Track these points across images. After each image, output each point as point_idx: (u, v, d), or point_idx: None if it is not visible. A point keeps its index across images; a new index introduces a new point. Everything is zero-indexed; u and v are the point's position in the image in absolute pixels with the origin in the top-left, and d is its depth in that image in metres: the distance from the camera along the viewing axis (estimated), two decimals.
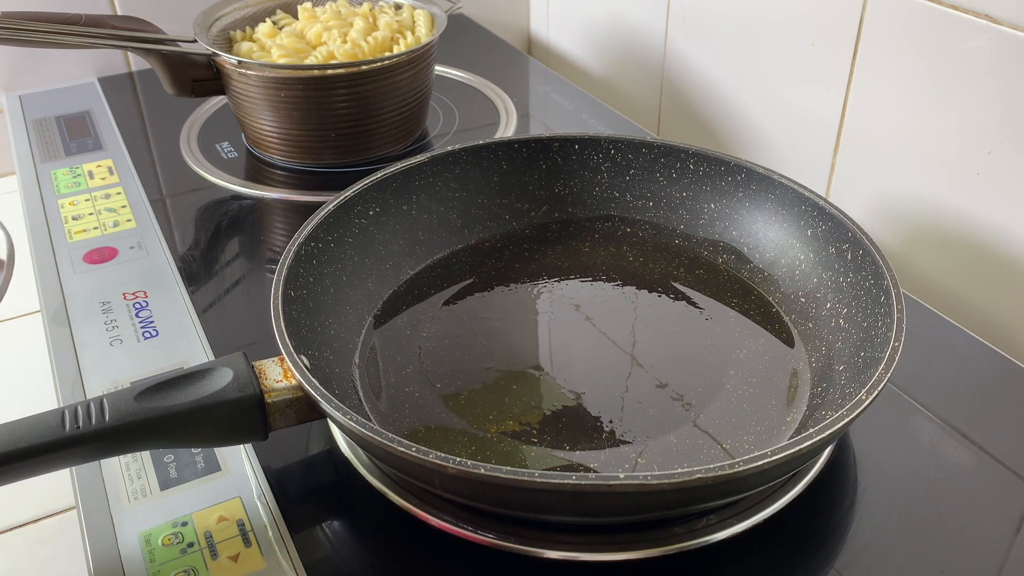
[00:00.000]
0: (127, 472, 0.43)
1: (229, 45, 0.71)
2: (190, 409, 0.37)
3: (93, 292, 0.56)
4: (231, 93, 0.68)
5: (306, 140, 0.68)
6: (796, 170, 0.69)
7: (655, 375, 0.47)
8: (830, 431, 0.35)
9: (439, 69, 0.84)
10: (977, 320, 0.58)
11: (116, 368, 0.49)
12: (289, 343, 0.40)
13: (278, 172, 0.69)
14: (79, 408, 0.36)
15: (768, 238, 0.53)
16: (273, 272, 0.45)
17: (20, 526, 0.65)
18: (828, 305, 0.48)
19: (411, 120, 0.71)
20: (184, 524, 0.40)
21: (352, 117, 0.67)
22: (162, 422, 0.37)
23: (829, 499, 0.41)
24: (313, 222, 0.49)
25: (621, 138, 0.57)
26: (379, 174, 0.53)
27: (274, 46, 0.68)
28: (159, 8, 0.83)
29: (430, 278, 0.54)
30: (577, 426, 0.44)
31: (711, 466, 0.33)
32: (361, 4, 0.75)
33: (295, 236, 0.47)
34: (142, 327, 0.53)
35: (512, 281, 0.54)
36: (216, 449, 0.44)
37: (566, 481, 0.33)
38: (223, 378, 0.39)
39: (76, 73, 0.86)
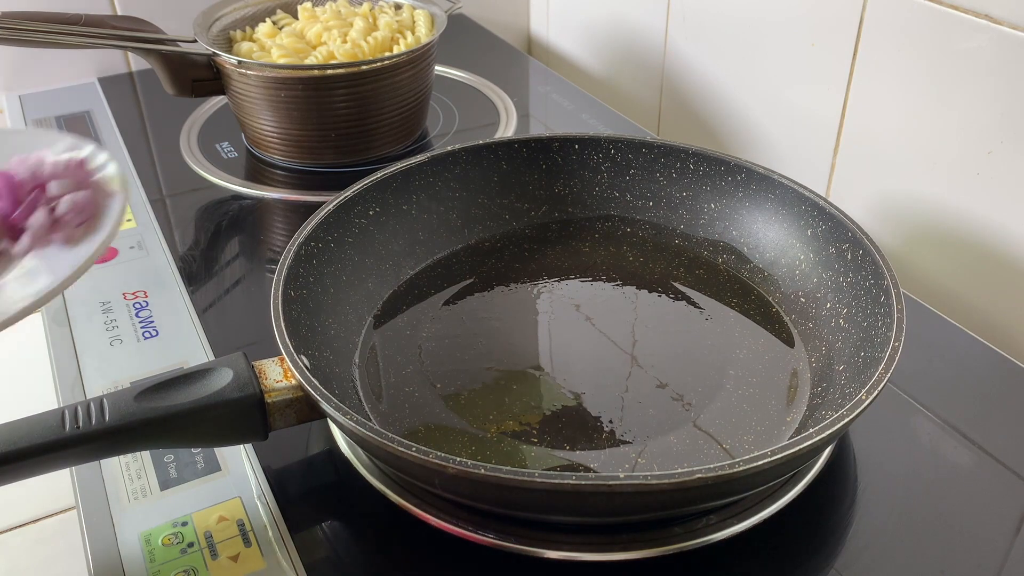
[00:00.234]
0: (127, 472, 0.43)
1: (229, 45, 0.71)
2: (190, 409, 0.37)
3: (93, 292, 0.56)
4: (231, 93, 0.68)
5: (306, 140, 0.68)
6: (796, 170, 0.69)
7: (655, 375, 0.47)
8: (830, 431, 0.35)
9: (439, 69, 0.84)
10: (977, 320, 0.58)
11: (116, 368, 0.49)
12: (289, 343, 0.40)
13: (278, 172, 0.69)
14: (79, 408, 0.36)
15: (768, 238, 0.53)
16: (273, 272, 0.45)
17: (20, 526, 0.65)
18: (828, 305, 0.48)
19: (411, 120, 0.71)
20: (184, 524, 0.40)
21: (352, 117, 0.67)
22: (162, 422, 0.37)
23: (829, 499, 0.41)
24: (313, 222, 0.49)
25: (621, 138, 0.57)
26: (379, 174, 0.53)
27: (274, 46, 0.68)
28: (159, 8, 0.82)
29: (430, 278, 0.54)
30: (577, 426, 0.44)
31: (711, 466, 0.33)
32: (361, 4, 0.75)
33: (295, 236, 0.47)
34: (142, 327, 0.53)
35: (512, 281, 0.54)
36: (216, 449, 0.44)
37: (566, 481, 0.33)
38: (223, 378, 0.39)
39: (76, 73, 0.86)
